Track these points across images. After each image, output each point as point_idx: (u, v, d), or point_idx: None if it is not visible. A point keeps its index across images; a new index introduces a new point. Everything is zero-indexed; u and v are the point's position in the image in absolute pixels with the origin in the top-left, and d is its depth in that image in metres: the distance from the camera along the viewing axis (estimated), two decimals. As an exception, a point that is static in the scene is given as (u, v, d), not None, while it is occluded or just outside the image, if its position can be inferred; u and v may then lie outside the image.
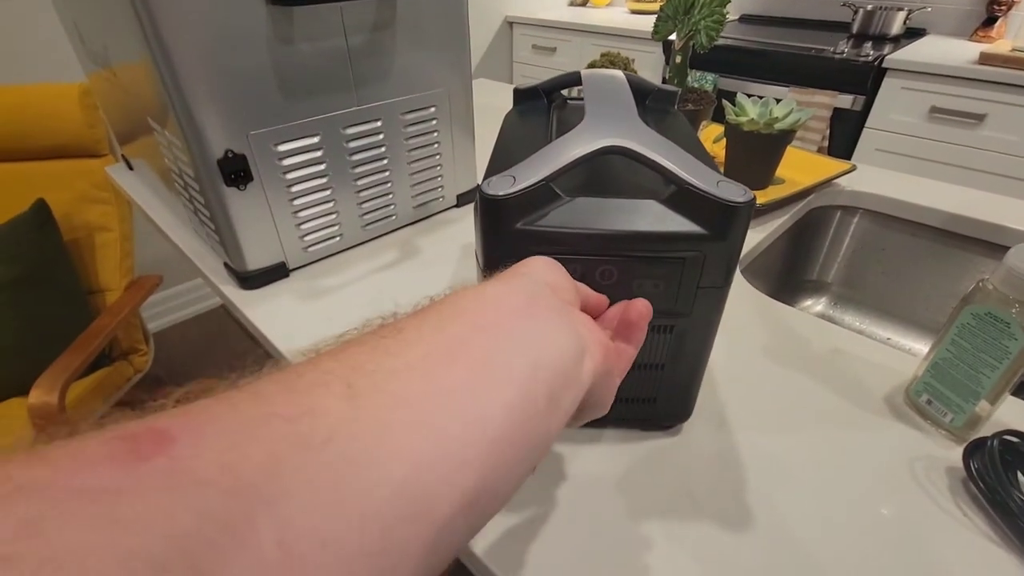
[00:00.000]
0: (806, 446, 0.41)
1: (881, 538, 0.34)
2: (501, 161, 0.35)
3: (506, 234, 0.31)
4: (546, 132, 0.43)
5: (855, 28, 1.82)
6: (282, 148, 0.53)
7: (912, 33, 1.81)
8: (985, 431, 0.38)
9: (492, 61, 2.53)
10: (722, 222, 0.30)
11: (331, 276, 0.60)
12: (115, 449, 0.12)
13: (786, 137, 0.68)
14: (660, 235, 0.31)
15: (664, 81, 0.63)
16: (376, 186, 0.63)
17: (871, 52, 1.60)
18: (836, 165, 0.77)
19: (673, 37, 0.75)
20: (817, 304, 0.84)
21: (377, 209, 0.64)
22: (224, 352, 1.78)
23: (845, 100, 1.61)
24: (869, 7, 1.77)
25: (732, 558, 0.33)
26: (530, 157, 0.31)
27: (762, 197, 0.70)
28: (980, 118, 1.47)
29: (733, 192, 0.29)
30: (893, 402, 0.44)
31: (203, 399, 0.14)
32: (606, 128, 0.32)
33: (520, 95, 0.50)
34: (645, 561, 0.33)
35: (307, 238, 0.60)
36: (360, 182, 0.61)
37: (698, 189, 0.30)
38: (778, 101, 0.69)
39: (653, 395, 0.39)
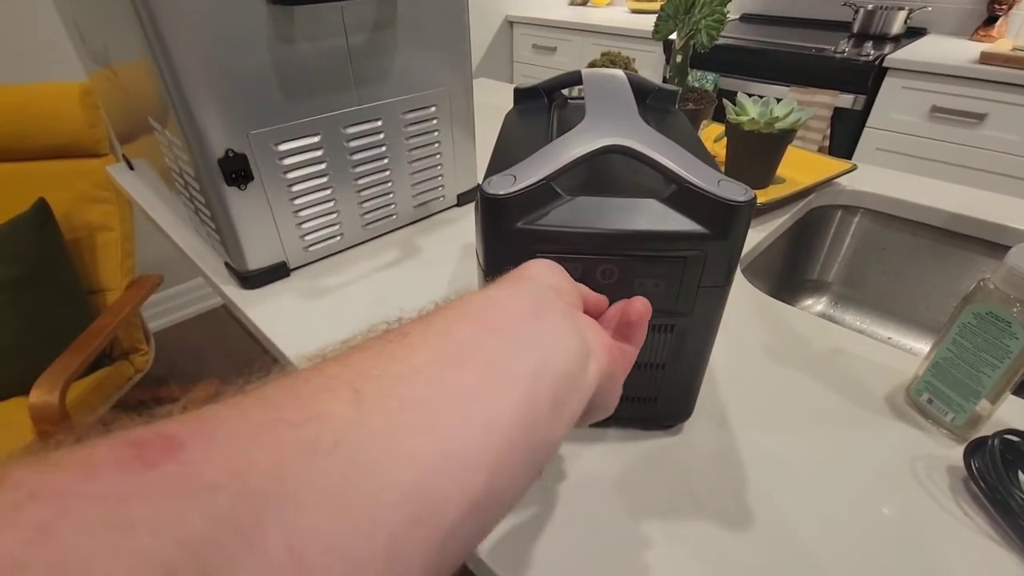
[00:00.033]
0: (807, 445, 0.41)
1: (882, 537, 0.34)
2: (502, 160, 0.35)
3: (507, 233, 0.31)
4: (547, 131, 0.43)
5: (856, 27, 1.82)
6: (283, 147, 0.53)
7: (913, 32, 1.81)
8: (986, 430, 0.38)
9: (492, 61, 2.53)
10: (723, 221, 0.30)
11: (332, 275, 0.60)
12: (125, 455, 0.12)
13: (787, 136, 0.68)
14: (661, 234, 0.31)
15: (665, 80, 0.63)
16: (377, 185, 0.63)
17: (872, 51, 1.60)
18: (837, 164, 0.77)
19: (674, 36, 0.75)
20: (818, 304, 0.84)
21: (378, 208, 0.64)
22: (225, 352, 1.78)
23: (846, 100, 1.61)
24: (870, 6, 1.77)
25: (733, 557, 0.34)
26: (531, 156, 0.31)
27: (763, 196, 0.70)
28: (981, 117, 1.46)
29: (734, 191, 0.29)
30: (894, 401, 0.44)
31: (211, 405, 0.14)
32: (607, 127, 0.32)
33: (520, 94, 0.50)
34: (646, 560, 0.34)
35: (308, 237, 0.60)
36: (361, 181, 0.61)
37: (699, 188, 0.30)
38: (779, 100, 0.69)
39: (654, 394, 0.39)
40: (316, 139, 0.55)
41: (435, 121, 0.64)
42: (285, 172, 0.54)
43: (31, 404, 0.91)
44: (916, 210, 0.73)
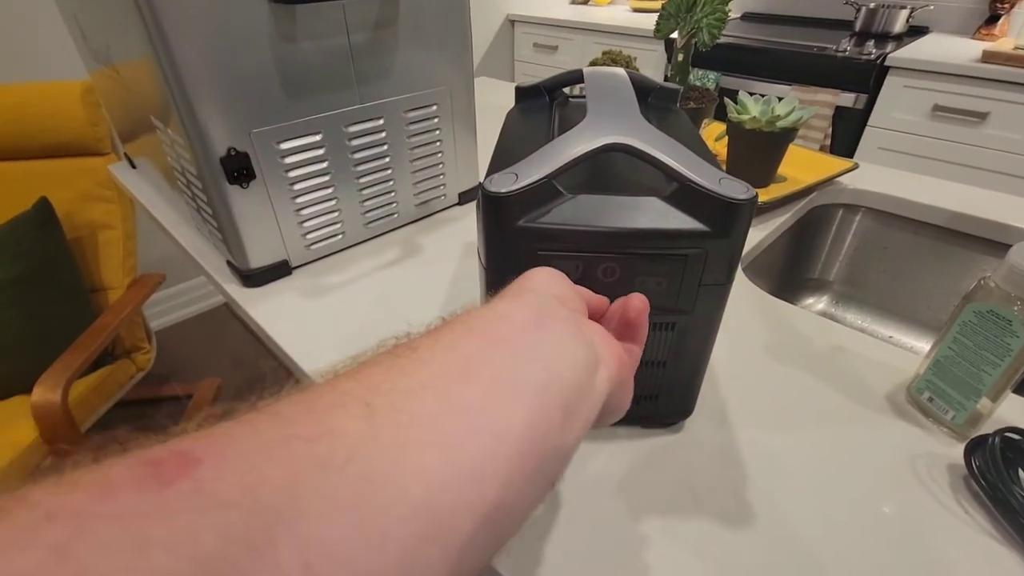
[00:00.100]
0: (808, 444, 0.41)
1: (882, 535, 0.35)
2: (503, 159, 0.35)
3: (508, 231, 0.31)
4: (548, 130, 0.43)
5: (858, 26, 1.82)
6: (284, 146, 0.53)
7: (915, 31, 1.81)
8: (986, 428, 0.38)
9: (494, 59, 2.53)
10: (724, 219, 0.30)
11: (333, 274, 0.60)
12: (140, 474, 0.12)
13: (788, 135, 0.68)
14: (662, 232, 0.31)
15: (666, 79, 0.63)
16: (378, 184, 0.63)
17: (874, 50, 1.59)
18: (838, 163, 0.77)
19: (675, 35, 0.75)
20: (819, 302, 0.84)
21: (379, 207, 0.64)
22: (226, 350, 1.78)
23: (847, 98, 1.61)
24: (872, 5, 1.77)
25: (734, 555, 0.34)
26: (532, 154, 0.31)
27: (764, 195, 0.70)
28: (983, 116, 1.46)
29: (735, 189, 0.30)
30: (895, 400, 0.44)
31: (224, 422, 0.14)
32: (608, 125, 0.32)
33: (522, 93, 0.50)
34: (647, 558, 0.34)
35: (309, 236, 0.60)
36: (362, 180, 0.61)
37: (700, 186, 0.30)
38: (780, 99, 0.69)
39: (655, 392, 0.39)
40: (318, 138, 0.55)
41: (436, 120, 0.64)
42: (287, 170, 0.54)
43: (33, 402, 0.91)
44: (917, 209, 0.73)
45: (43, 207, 1.07)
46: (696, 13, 0.71)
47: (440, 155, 0.67)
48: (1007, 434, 0.36)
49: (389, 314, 0.54)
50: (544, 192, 0.31)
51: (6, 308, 1.03)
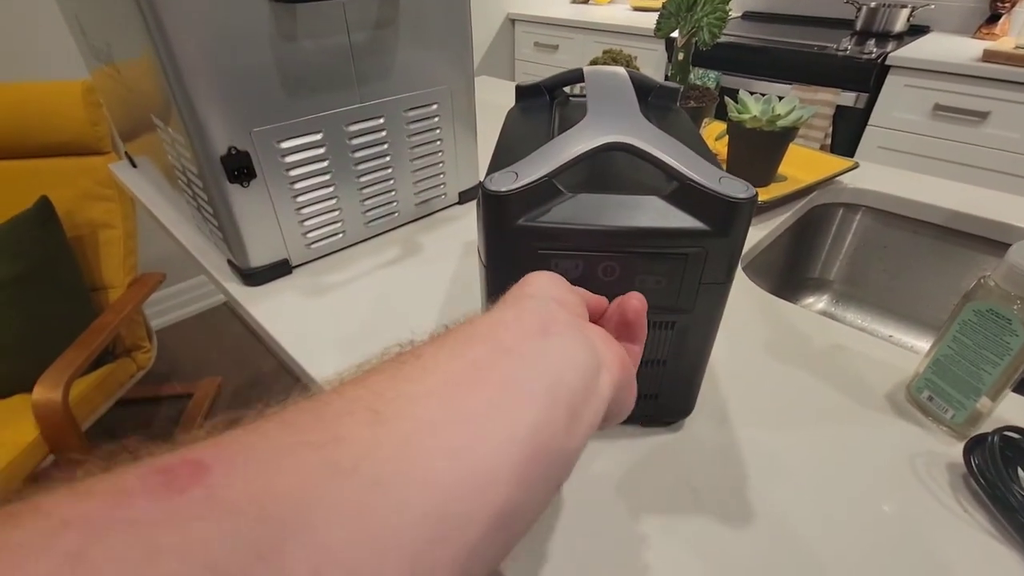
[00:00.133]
0: (807, 442, 0.41)
1: (882, 534, 0.35)
2: (503, 158, 0.35)
3: (508, 230, 0.31)
4: (548, 129, 0.44)
5: (858, 25, 1.82)
6: (285, 145, 0.53)
7: (915, 30, 1.81)
8: (986, 427, 0.38)
9: (494, 58, 2.53)
10: (724, 218, 0.30)
11: (334, 273, 0.60)
12: (152, 482, 0.12)
13: (788, 134, 0.68)
14: (662, 231, 0.31)
15: (666, 78, 0.63)
16: (379, 183, 0.63)
17: (874, 49, 1.59)
18: (838, 162, 0.77)
19: (676, 34, 0.75)
20: (819, 302, 0.84)
21: (380, 206, 0.64)
22: (227, 349, 1.78)
23: (848, 98, 1.61)
24: (872, 4, 1.76)
25: (734, 554, 0.34)
26: (532, 153, 0.31)
27: (764, 194, 0.70)
28: (983, 116, 1.46)
29: (735, 188, 0.30)
30: (894, 399, 0.44)
31: (232, 429, 0.15)
32: (608, 124, 0.32)
33: (522, 92, 0.50)
34: (646, 557, 0.34)
35: (310, 235, 0.60)
36: (363, 179, 0.61)
37: (700, 185, 0.30)
38: (781, 98, 0.69)
39: (655, 391, 0.39)
40: (318, 136, 0.55)
41: (437, 119, 0.64)
42: (287, 169, 0.54)
43: (34, 401, 0.91)
44: (917, 208, 0.73)
45: (44, 206, 1.07)
46: (696, 12, 0.71)
47: (440, 154, 0.67)
48: (1006, 433, 0.36)
49: (389, 313, 0.54)
50: (544, 191, 0.31)
51: (7, 307, 1.03)
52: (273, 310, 0.55)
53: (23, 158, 1.15)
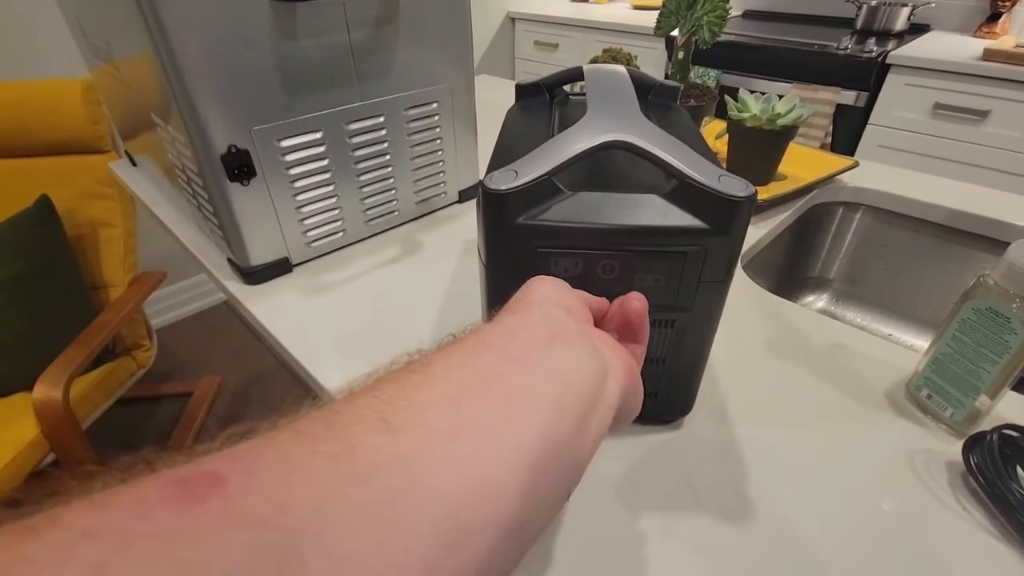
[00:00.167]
0: (807, 441, 0.41)
1: (881, 532, 0.35)
2: (503, 156, 0.35)
3: (508, 228, 0.31)
4: (548, 127, 0.44)
5: (859, 24, 1.82)
6: (285, 143, 0.53)
7: (916, 29, 1.81)
8: (985, 425, 0.38)
9: (494, 57, 2.53)
10: (724, 216, 0.30)
11: (334, 271, 0.60)
12: (171, 492, 0.12)
13: (788, 133, 0.68)
14: (662, 229, 0.31)
15: (667, 77, 0.63)
16: (379, 182, 0.63)
17: (875, 48, 1.59)
18: (838, 161, 0.77)
19: (676, 33, 0.75)
20: (819, 301, 0.84)
21: (380, 205, 0.64)
22: (227, 348, 1.78)
23: (848, 96, 1.61)
24: (873, 3, 1.76)
25: (733, 552, 0.34)
26: (532, 152, 0.31)
27: (764, 193, 0.70)
28: (984, 114, 1.46)
29: (734, 186, 0.30)
30: (894, 397, 0.44)
31: (247, 440, 0.15)
32: (608, 123, 0.32)
33: (522, 90, 0.50)
34: (646, 554, 0.34)
35: (310, 233, 0.60)
36: (363, 178, 0.61)
37: (699, 183, 0.30)
38: (781, 97, 0.69)
39: (655, 389, 0.39)
40: (318, 135, 0.55)
41: (437, 118, 0.64)
42: (287, 168, 0.54)
43: (35, 399, 0.92)
44: (917, 207, 0.73)
45: (44, 205, 1.07)
46: (697, 11, 0.71)
47: (440, 153, 0.67)
48: (1005, 431, 0.36)
49: (389, 312, 0.54)
50: (544, 189, 0.31)
51: (7, 306, 1.03)
52: (273, 308, 0.55)
53: (23, 157, 1.15)
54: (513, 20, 2.47)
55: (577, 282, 0.31)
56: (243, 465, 0.13)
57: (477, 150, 0.72)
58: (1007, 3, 1.67)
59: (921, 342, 0.76)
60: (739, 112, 0.69)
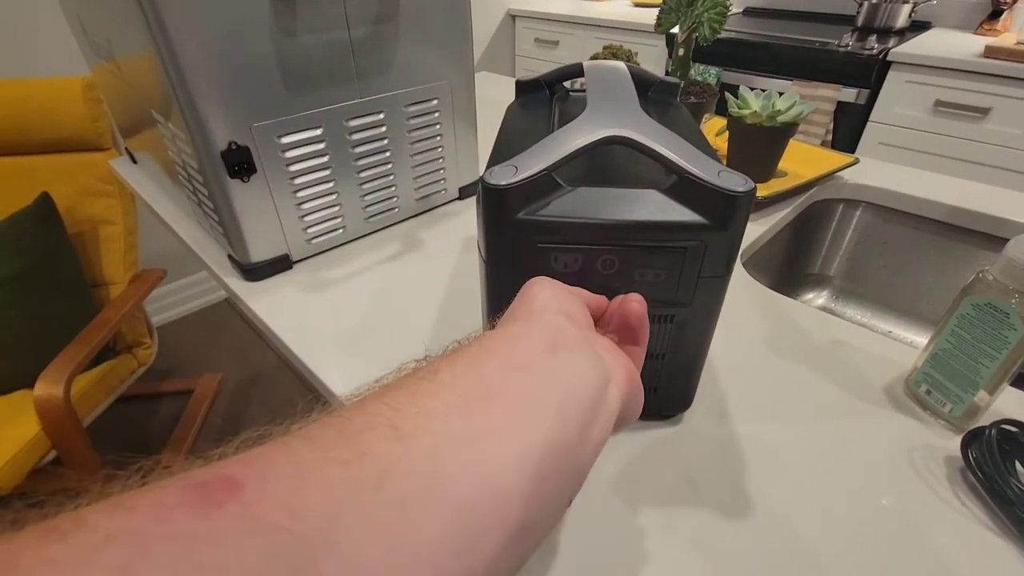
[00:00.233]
0: (806, 436, 0.41)
1: (880, 527, 0.35)
2: (503, 152, 0.35)
3: (508, 224, 0.31)
4: (548, 123, 0.44)
5: (860, 21, 1.81)
6: (285, 140, 0.53)
7: (917, 26, 1.80)
8: (984, 421, 0.38)
9: (494, 54, 2.53)
10: (723, 211, 0.30)
11: (334, 268, 0.60)
12: (190, 496, 0.12)
13: (789, 130, 0.68)
14: (661, 224, 0.31)
15: (667, 74, 0.63)
16: (379, 179, 0.63)
17: (876, 45, 1.59)
18: (839, 158, 0.77)
19: (676, 30, 0.75)
20: (819, 297, 0.84)
21: (380, 202, 0.64)
22: (228, 346, 1.79)
23: (849, 94, 1.60)
24: (874, 0, 1.76)
25: (733, 548, 0.34)
26: (532, 147, 0.31)
27: (764, 190, 0.70)
28: (985, 112, 1.46)
29: (734, 182, 0.30)
30: (893, 393, 0.44)
31: (260, 446, 0.15)
32: (608, 118, 0.32)
33: (522, 86, 0.50)
34: (646, 550, 0.34)
35: (310, 230, 0.60)
36: (363, 174, 0.61)
37: (699, 179, 0.30)
38: (781, 94, 0.69)
39: (654, 385, 0.39)
40: (318, 132, 0.55)
41: (437, 114, 0.64)
42: (288, 165, 0.54)
43: (36, 396, 0.92)
44: (917, 204, 0.73)
45: (44, 202, 1.07)
46: (697, 8, 0.71)
47: (440, 150, 0.67)
48: (1003, 426, 0.36)
49: (389, 308, 0.55)
50: (544, 184, 0.31)
51: (8, 303, 1.03)
52: (274, 305, 0.55)
53: (23, 154, 1.15)
54: (513, 17, 2.47)
55: (577, 277, 0.31)
56: (257, 470, 0.14)
57: (477, 147, 0.72)
58: (1008, 0, 1.67)
59: (921, 339, 0.76)
60: (739, 109, 0.69)
